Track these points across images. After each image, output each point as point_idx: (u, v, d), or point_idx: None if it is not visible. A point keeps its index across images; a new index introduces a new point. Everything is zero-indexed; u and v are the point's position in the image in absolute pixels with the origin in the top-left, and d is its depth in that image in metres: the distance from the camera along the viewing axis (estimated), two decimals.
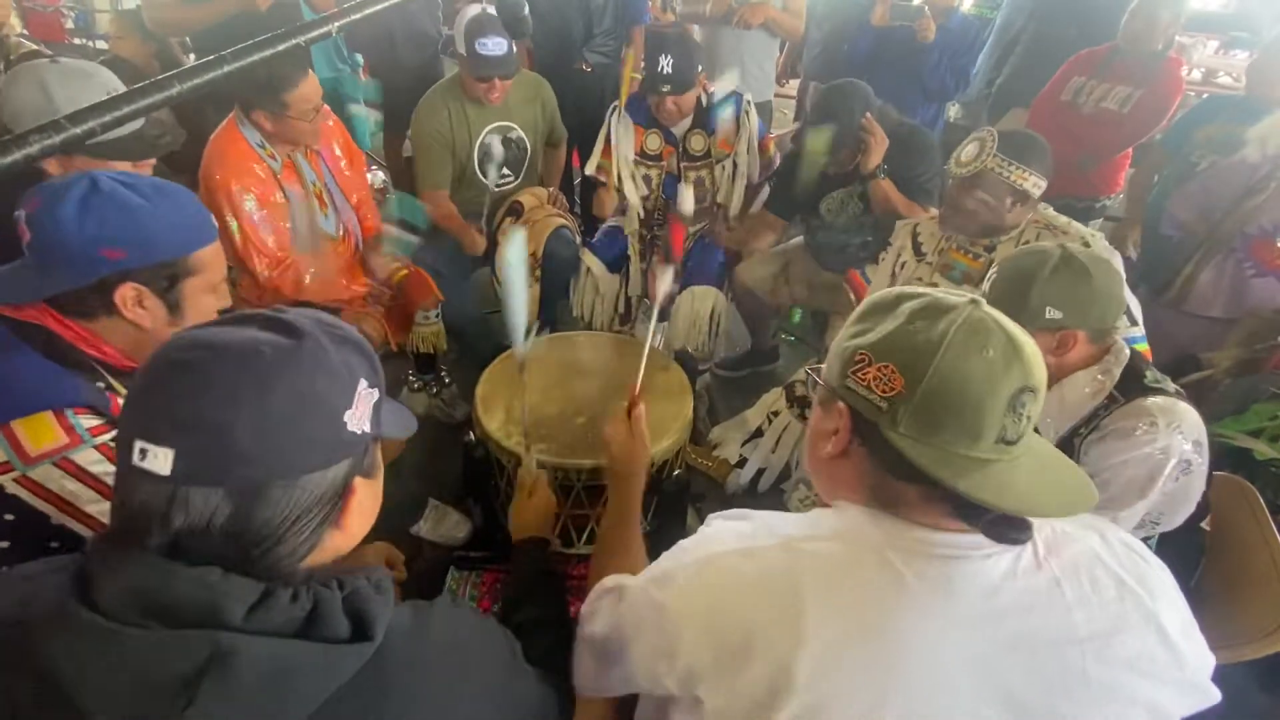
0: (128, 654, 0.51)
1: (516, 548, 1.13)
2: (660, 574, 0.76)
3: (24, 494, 0.96)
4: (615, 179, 2.38)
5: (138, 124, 1.37)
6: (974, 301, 0.69)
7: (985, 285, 1.26)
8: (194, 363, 0.55)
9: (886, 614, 0.64)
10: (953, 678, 0.63)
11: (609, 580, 0.84)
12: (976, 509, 0.65)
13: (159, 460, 0.53)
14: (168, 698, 0.49)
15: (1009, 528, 0.66)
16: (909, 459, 0.65)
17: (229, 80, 0.69)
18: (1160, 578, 0.71)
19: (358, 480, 0.62)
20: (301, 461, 0.57)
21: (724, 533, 0.77)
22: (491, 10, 2.16)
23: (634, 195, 2.41)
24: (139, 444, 0.54)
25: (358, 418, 0.60)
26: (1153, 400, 1.17)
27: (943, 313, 0.67)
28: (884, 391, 0.67)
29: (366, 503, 0.65)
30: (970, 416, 0.65)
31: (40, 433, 0.94)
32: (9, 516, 0.96)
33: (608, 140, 2.38)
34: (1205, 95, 2.54)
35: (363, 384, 0.62)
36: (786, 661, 0.63)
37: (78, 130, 0.60)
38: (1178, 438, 1.13)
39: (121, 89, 1.33)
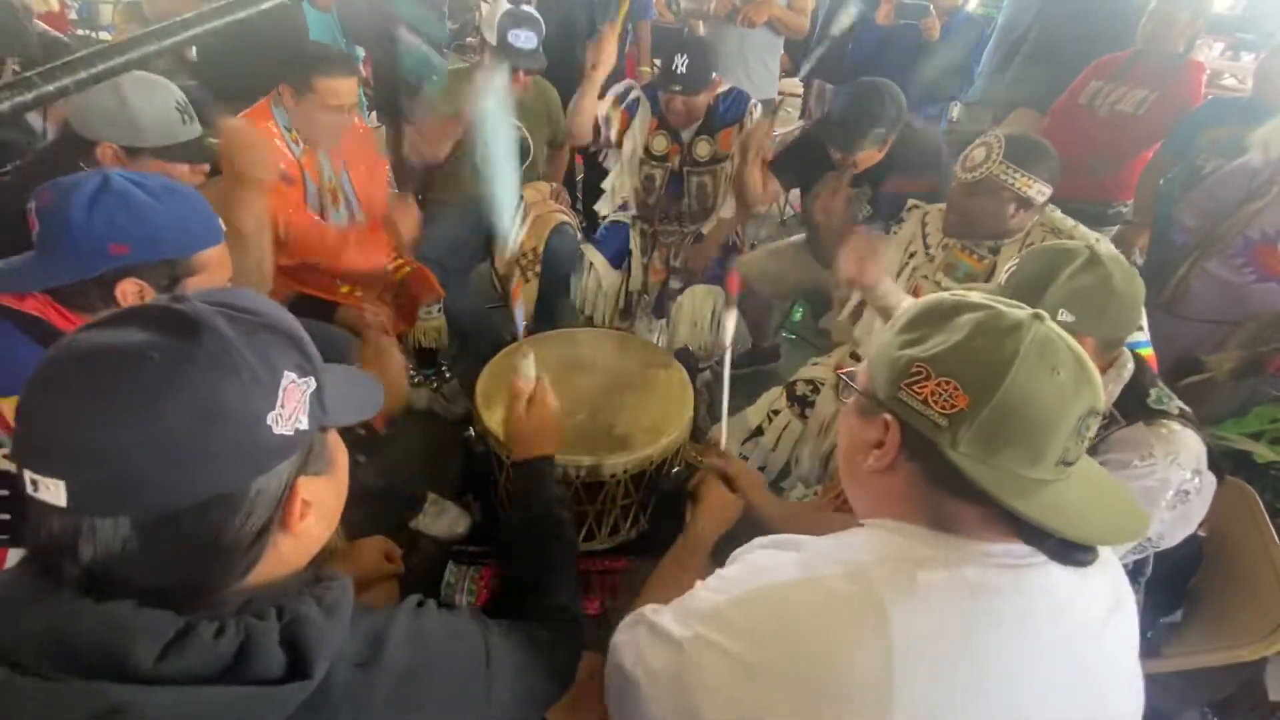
0: (17, 707, 0.44)
1: (519, 467, 1.03)
2: (711, 612, 0.70)
3: (14, 468, 0.97)
4: (619, 145, 2.36)
5: (198, 131, 1.44)
6: (1037, 316, 0.66)
7: (1003, 276, 1.24)
8: (73, 381, 0.48)
9: (970, 631, 0.62)
10: (1034, 679, 0.63)
11: (652, 614, 0.77)
12: (1040, 533, 0.64)
13: (52, 492, 0.47)
14: None
15: (1075, 549, 0.65)
16: (970, 479, 0.63)
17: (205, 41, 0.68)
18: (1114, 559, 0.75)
19: (302, 480, 0.55)
20: (217, 479, 0.50)
21: (778, 563, 0.71)
22: (527, 7, 2.20)
23: (629, 186, 2.41)
24: (28, 474, 0.48)
25: (286, 417, 0.53)
26: (1153, 428, 1.13)
27: (1010, 329, 0.65)
28: (944, 409, 0.64)
29: (325, 501, 0.59)
30: (1038, 439, 0.63)
31: None
32: (3, 492, 0.98)
33: (619, 101, 2.35)
34: (1210, 97, 2.51)
35: (289, 377, 0.53)
36: (882, 694, 0.60)
37: (50, 88, 0.58)
38: (1176, 470, 1.10)
39: (181, 97, 1.41)
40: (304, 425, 0.55)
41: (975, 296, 0.70)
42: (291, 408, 0.53)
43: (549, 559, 0.92)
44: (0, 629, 0.47)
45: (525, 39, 2.14)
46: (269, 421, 0.52)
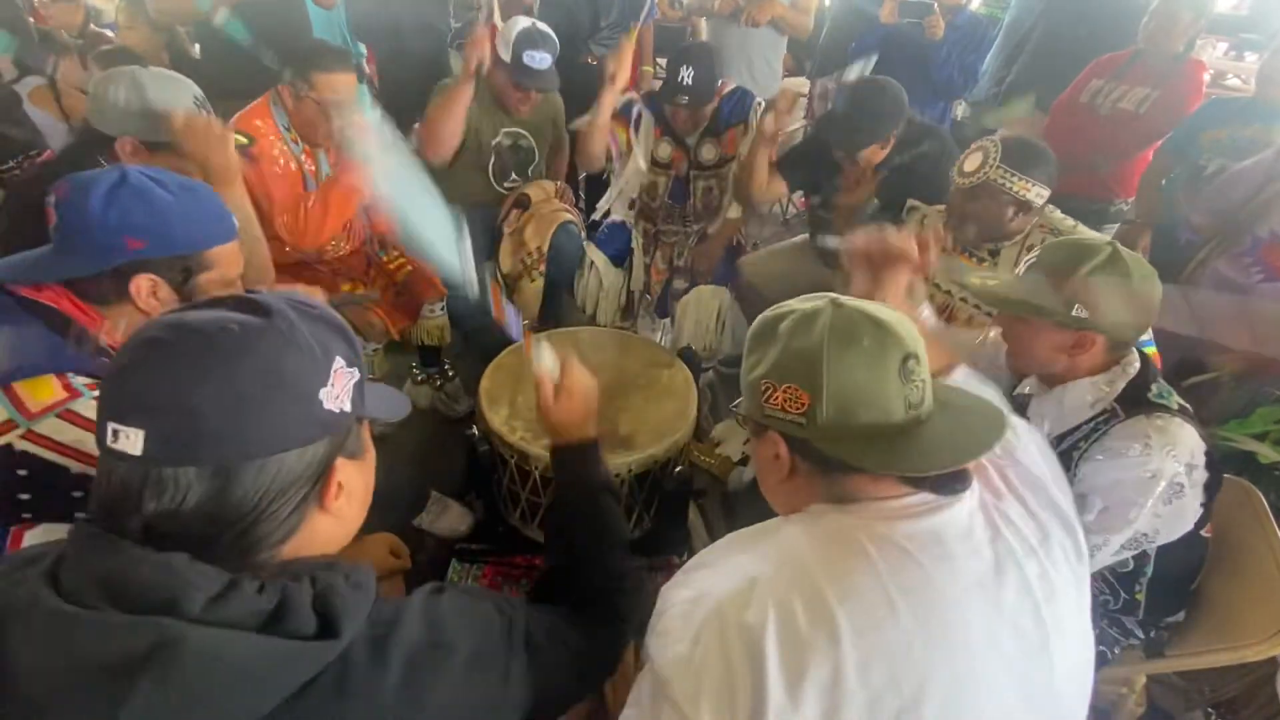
0: (78, 638, 0.49)
1: (555, 453, 0.98)
2: (676, 661, 0.68)
3: (34, 449, 0.98)
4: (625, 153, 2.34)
5: None
6: (832, 301, 0.75)
7: (1021, 267, 1.23)
8: (162, 342, 0.55)
9: (900, 585, 0.67)
10: (971, 620, 0.67)
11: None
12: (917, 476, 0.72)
13: (130, 441, 0.53)
14: (108, 684, 0.48)
15: (952, 481, 0.73)
16: (841, 460, 0.72)
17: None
18: (1027, 443, 0.83)
19: (340, 461, 0.61)
20: (275, 439, 0.56)
21: (708, 586, 0.72)
22: (543, 27, 2.17)
23: (638, 182, 2.40)
24: (110, 425, 0.54)
25: (335, 396, 0.60)
26: (1151, 420, 1.13)
27: (811, 321, 0.74)
28: (796, 410, 0.73)
29: (355, 486, 0.64)
30: (875, 401, 0.72)
31: (41, 390, 0.97)
32: (22, 472, 0.99)
33: (625, 118, 2.32)
34: (1211, 97, 2.51)
35: (339, 361, 0.61)
36: (836, 668, 0.64)
37: None
38: (1170, 461, 1.11)
39: (199, 93, 1.44)
40: (347, 407, 0.61)
41: (789, 303, 0.79)
42: (340, 388, 0.60)
43: (589, 547, 0.90)
44: (67, 574, 0.53)
45: (540, 60, 2.13)
46: (321, 396, 0.58)
